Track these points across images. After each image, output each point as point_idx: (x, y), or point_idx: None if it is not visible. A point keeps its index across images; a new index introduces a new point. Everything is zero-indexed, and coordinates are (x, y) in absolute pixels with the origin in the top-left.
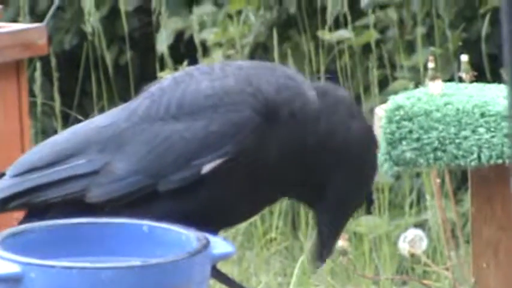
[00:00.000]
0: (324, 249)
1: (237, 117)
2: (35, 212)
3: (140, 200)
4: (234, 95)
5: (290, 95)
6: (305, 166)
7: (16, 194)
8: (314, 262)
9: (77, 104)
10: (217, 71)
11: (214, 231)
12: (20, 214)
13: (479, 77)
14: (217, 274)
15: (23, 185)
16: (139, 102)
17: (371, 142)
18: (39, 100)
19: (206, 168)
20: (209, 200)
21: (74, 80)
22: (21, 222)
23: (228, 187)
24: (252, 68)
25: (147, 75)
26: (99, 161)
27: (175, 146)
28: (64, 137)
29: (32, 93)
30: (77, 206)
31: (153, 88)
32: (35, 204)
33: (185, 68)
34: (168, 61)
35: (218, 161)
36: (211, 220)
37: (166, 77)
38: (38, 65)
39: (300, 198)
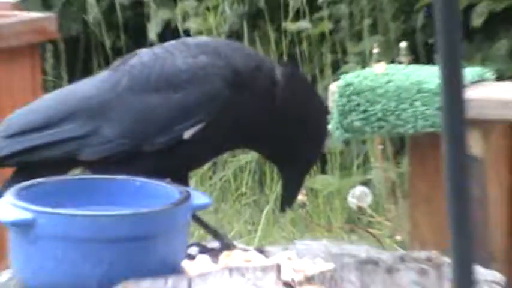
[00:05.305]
0: (288, 197)
1: (210, 89)
2: (27, 168)
3: (125, 158)
4: (207, 69)
5: (255, 66)
6: (267, 128)
7: (13, 153)
8: (282, 207)
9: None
10: (193, 48)
11: (184, 175)
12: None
13: (415, 60)
14: (197, 220)
15: (20, 145)
16: (121, 75)
17: (325, 113)
18: (49, 77)
19: (187, 134)
20: (185, 156)
21: (78, 60)
22: (13, 176)
23: (202, 146)
24: (219, 44)
25: None
26: (88, 126)
27: (158, 114)
28: (53, 104)
29: (43, 72)
30: (67, 162)
31: (133, 61)
32: (30, 162)
33: (164, 44)
34: None
35: (196, 127)
36: (183, 169)
37: (143, 51)
38: (49, 48)
39: (265, 156)
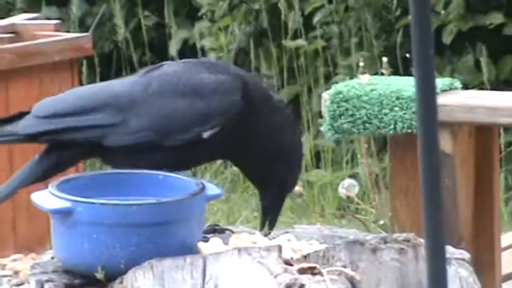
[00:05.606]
0: (272, 219)
1: (227, 100)
2: (56, 147)
3: (145, 149)
4: (226, 84)
5: (254, 86)
6: (256, 144)
7: (45, 131)
8: (262, 227)
9: None
10: (211, 67)
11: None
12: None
13: (395, 72)
14: None
15: (52, 125)
16: (151, 79)
17: (301, 145)
18: None
19: (206, 134)
20: (197, 154)
21: (110, 73)
22: (43, 153)
23: (212, 147)
24: (227, 65)
25: None
26: (117, 117)
27: (182, 115)
28: (86, 95)
29: (81, 83)
30: (93, 146)
31: (163, 69)
32: (59, 141)
33: (185, 61)
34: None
35: (214, 130)
36: (192, 165)
37: (170, 63)
38: (85, 62)
39: (248, 176)
